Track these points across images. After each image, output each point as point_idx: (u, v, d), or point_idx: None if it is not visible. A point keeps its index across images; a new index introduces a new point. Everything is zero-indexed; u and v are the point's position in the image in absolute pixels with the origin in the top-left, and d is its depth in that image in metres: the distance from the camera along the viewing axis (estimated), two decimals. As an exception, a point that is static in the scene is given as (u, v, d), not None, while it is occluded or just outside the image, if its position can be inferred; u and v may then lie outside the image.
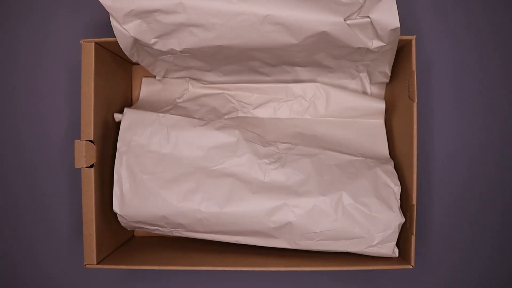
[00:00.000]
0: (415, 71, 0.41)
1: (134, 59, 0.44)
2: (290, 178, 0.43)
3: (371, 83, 0.50)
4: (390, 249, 0.41)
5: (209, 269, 0.41)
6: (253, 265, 0.41)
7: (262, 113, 0.51)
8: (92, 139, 0.41)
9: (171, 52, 0.42)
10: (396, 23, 0.38)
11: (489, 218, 0.52)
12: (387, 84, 0.50)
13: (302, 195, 0.41)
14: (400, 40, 0.41)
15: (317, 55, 0.45)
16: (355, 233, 0.41)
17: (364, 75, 0.50)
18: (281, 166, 0.43)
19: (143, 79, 0.53)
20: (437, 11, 0.53)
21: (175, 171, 0.42)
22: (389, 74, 0.47)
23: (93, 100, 0.41)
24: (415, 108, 0.41)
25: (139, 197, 0.42)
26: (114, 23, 0.39)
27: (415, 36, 0.41)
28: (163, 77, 0.51)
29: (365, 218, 0.41)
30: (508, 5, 0.52)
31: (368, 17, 0.38)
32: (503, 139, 0.52)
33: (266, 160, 0.43)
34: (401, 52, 0.44)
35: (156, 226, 0.43)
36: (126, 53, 0.42)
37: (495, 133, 0.52)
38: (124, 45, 0.41)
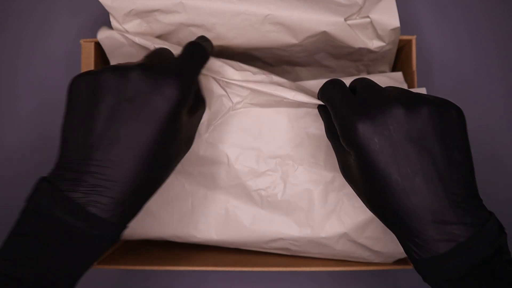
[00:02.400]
0: (415, 71, 0.41)
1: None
2: (289, 208, 0.39)
3: (371, 83, 0.51)
4: (390, 262, 0.41)
5: (209, 269, 0.41)
6: (253, 265, 0.41)
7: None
8: (92, 139, 0.41)
9: (171, 52, 0.42)
10: (396, 23, 0.38)
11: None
12: (387, 84, 0.50)
13: (301, 230, 0.39)
14: (400, 40, 0.41)
15: (317, 55, 0.45)
16: (356, 257, 0.40)
17: (364, 75, 0.50)
18: (280, 195, 0.38)
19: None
20: (437, 11, 0.53)
21: (170, 193, 0.40)
22: (389, 74, 0.47)
23: (93, 100, 0.41)
24: (415, 108, 0.40)
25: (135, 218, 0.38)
26: (114, 23, 0.39)
27: (415, 36, 0.41)
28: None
29: (368, 251, 0.39)
30: (507, 5, 0.52)
31: (368, 17, 0.38)
32: (503, 140, 0.52)
33: (262, 189, 0.38)
34: (401, 52, 0.44)
35: None
36: (126, 53, 0.42)
37: (494, 134, 0.52)
38: (124, 45, 0.41)
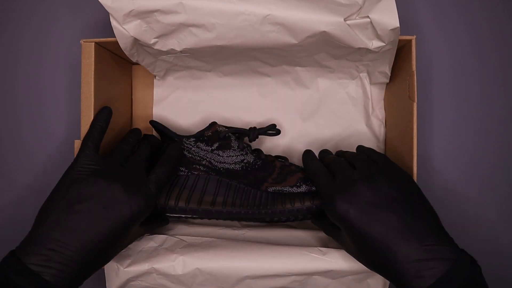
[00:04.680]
0: (415, 71, 0.41)
1: (134, 59, 0.44)
2: None
3: (371, 83, 0.51)
4: None
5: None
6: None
7: None
8: (92, 139, 0.41)
9: (171, 52, 0.42)
10: (396, 23, 0.38)
11: (489, 217, 0.52)
12: (387, 84, 0.50)
13: None
14: (400, 40, 0.41)
15: (317, 55, 0.45)
16: None
17: (364, 75, 0.50)
18: None
19: None
20: (437, 11, 0.53)
21: None
22: (389, 74, 0.47)
23: (93, 100, 0.41)
24: (415, 108, 0.41)
25: None
26: (114, 23, 0.39)
27: (415, 36, 0.41)
28: (163, 77, 0.51)
29: None
30: (507, 5, 0.52)
31: (368, 17, 0.38)
32: (503, 139, 0.52)
33: None
34: (401, 52, 0.44)
35: None
36: (126, 53, 0.42)
37: (494, 133, 0.52)
38: (124, 45, 0.41)
